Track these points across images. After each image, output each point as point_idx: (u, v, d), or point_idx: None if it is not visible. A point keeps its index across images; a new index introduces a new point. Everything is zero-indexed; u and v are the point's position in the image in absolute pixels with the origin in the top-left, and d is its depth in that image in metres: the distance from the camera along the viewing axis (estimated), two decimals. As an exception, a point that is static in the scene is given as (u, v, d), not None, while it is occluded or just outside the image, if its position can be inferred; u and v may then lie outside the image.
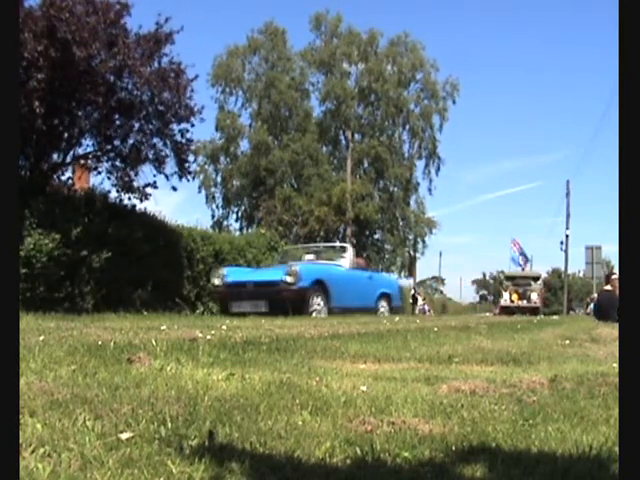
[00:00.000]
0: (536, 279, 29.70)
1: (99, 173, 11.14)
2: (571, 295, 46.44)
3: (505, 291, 29.52)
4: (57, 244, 8.85)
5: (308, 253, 12.60)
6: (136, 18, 10.32)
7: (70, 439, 1.49)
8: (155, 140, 10.68)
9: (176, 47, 10.50)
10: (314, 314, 9.93)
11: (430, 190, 33.58)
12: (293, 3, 60.30)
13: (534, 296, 27.36)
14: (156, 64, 10.20)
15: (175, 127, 10.68)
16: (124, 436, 1.55)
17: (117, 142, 10.67)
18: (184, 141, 10.82)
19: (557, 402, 2.32)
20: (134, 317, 6.07)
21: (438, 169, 33.64)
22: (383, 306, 12.50)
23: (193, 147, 11.83)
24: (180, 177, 10.95)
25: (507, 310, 24.72)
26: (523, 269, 34.72)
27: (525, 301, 27.30)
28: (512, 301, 27.45)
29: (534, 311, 23.45)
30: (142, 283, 10.13)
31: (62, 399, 1.94)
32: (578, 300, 51.55)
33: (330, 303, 10.62)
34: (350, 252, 12.82)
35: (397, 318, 8.75)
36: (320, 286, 10.49)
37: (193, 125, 10.81)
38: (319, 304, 10.29)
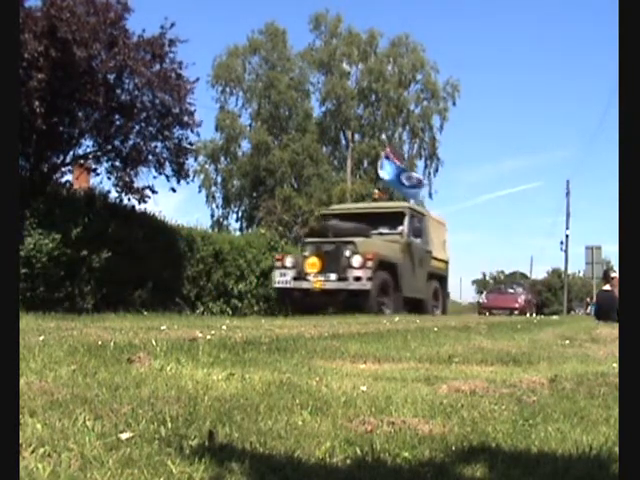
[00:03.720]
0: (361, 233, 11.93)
1: (97, 175, 11.17)
2: (571, 295, 46.39)
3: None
4: (57, 244, 8.86)
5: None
6: (140, 20, 10.34)
7: (70, 439, 1.49)
8: (155, 143, 10.69)
9: (177, 47, 10.51)
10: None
11: (430, 194, 33.56)
12: (293, 3, 60.32)
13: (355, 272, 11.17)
14: (158, 66, 10.21)
15: (175, 131, 10.69)
16: (124, 436, 1.55)
17: (117, 143, 10.67)
18: (184, 145, 10.83)
19: (557, 402, 2.32)
20: (134, 317, 6.07)
21: (437, 170, 33.66)
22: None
23: (194, 147, 11.85)
24: (178, 180, 10.96)
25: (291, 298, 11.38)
26: (401, 177, 15.85)
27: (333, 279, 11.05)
28: (301, 277, 11.25)
29: (356, 298, 10.61)
30: (142, 283, 10.14)
31: (62, 399, 1.94)
32: (578, 300, 51.53)
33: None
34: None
35: (397, 318, 8.75)
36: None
37: (192, 132, 10.83)
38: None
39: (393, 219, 12.65)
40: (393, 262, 11.63)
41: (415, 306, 12.56)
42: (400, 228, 12.49)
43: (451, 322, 8.40)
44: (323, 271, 10.88)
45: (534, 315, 21.86)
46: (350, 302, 10.50)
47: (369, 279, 10.60)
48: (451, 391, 2.48)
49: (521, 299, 25.04)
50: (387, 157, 16.26)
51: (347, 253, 10.84)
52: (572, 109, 77.17)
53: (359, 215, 12.88)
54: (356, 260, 10.69)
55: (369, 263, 10.63)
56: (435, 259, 14.05)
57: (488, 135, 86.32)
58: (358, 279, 10.63)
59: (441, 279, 14.57)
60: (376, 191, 17.25)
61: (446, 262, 15.05)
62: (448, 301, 17.08)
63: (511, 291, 26.74)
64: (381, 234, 12.36)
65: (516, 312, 22.68)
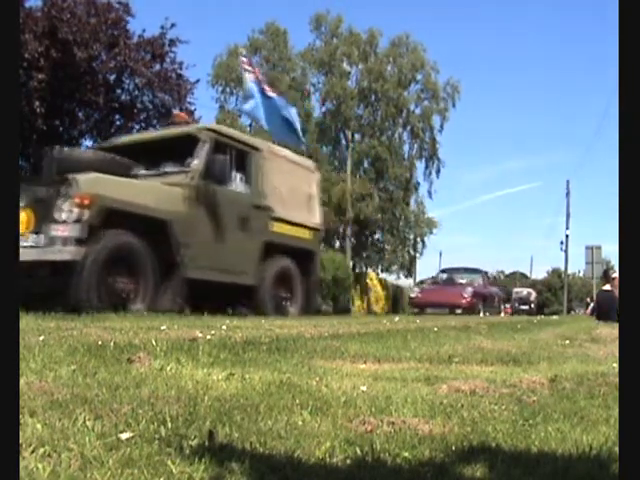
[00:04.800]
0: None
1: None
2: (571, 295, 46.43)
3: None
4: (57, 244, 8.83)
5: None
6: (141, 21, 10.37)
7: (70, 439, 1.49)
8: None
9: (177, 48, 10.52)
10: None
11: (430, 193, 33.60)
12: (294, 3, 60.32)
13: (59, 230, 6.60)
14: (158, 66, 10.23)
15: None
16: (124, 436, 1.55)
17: (117, 142, 10.67)
18: None
19: (557, 402, 2.32)
20: (134, 317, 6.07)
21: (438, 171, 33.67)
22: None
23: None
24: None
25: None
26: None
27: None
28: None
29: (59, 278, 6.46)
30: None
31: (62, 399, 1.94)
32: (578, 300, 51.52)
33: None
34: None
35: (397, 318, 8.76)
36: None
37: None
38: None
39: (185, 150, 7.86)
40: (155, 216, 7.07)
41: (232, 297, 8.52)
42: (191, 163, 7.75)
43: (451, 322, 8.41)
44: (33, 231, 6.57)
45: (483, 314, 17.36)
46: (53, 285, 6.46)
47: (79, 242, 6.27)
48: (451, 391, 2.48)
49: (468, 293, 17.81)
50: (245, 70, 10.88)
51: (60, 200, 6.45)
52: (572, 109, 77.25)
53: (142, 147, 8.39)
54: (65, 209, 6.41)
55: (81, 213, 6.33)
56: (284, 222, 8.94)
57: (488, 135, 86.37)
58: (64, 242, 6.32)
59: (302, 257, 9.27)
60: (176, 112, 10.71)
61: (314, 230, 9.74)
62: (315, 293, 10.90)
63: (461, 282, 19.33)
64: (166, 174, 7.77)
65: (459, 311, 16.75)
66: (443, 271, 22.79)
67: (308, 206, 9.80)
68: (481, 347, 4.57)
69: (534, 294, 42.63)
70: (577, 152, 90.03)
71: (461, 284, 18.97)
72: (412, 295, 19.64)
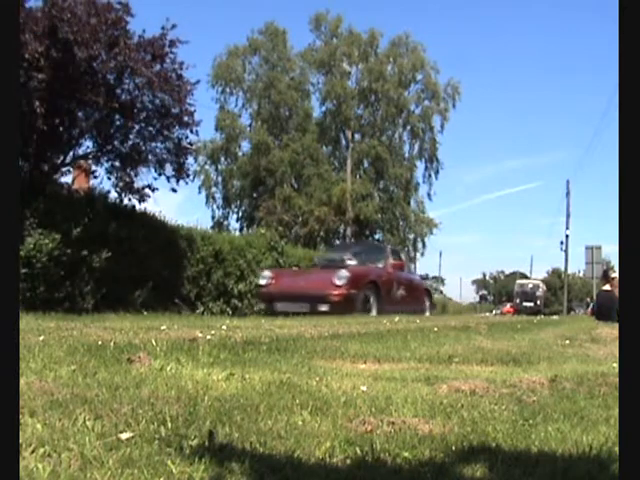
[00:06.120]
0: None
1: (95, 177, 11.22)
2: (571, 295, 46.31)
3: None
4: (57, 244, 8.85)
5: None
6: (141, 21, 10.37)
7: (70, 439, 1.49)
8: (155, 143, 10.71)
9: (177, 48, 10.51)
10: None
11: (430, 195, 33.58)
12: (293, 3, 60.34)
13: None
14: (158, 66, 10.22)
15: (175, 131, 10.70)
16: (124, 436, 1.55)
17: (117, 143, 10.69)
18: (184, 145, 10.84)
19: (557, 402, 2.32)
20: (134, 317, 6.07)
21: (437, 172, 33.65)
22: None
23: (194, 147, 11.86)
24: (177, 180, 10.97)
25: None
26: None
27: None
28: None
29: None
30: (142, 283, 10.13)
31: (62, 399, 1.94)
32: (578, 300, 51.54)
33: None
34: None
35: (397, 318, 8.75)
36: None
37: (192, 132, 10.83)
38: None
39: None
40: None
41: None
42: None
43: (451, 322, 8.40)
44: None
45: (376, 312, 10.81)
46: None
47: None
48: (451, 391, 2.48)
49: (342, 279, 10.61)
50: None
51: None
52: (572, 109, 77.21)
53: None
54: None
55: None
56: None
57: (488, 135, 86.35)
58: None
59: None
60: None
61: None
62: None
63: (336, 259, 12.07)
64: None
65: (323, 308, 10.19)
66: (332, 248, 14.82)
67: None
68: (481, 347, 4.57)
69: (542, 287, 35.42)
70: (577, 152, 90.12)
71: (337, 266, 11.20)
72: (262, 282, 11.54)
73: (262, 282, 11.74)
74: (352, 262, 12.01)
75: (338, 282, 10.61)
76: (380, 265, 12.43)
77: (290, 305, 10.62)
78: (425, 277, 17.97)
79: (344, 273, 10.73)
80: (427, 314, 13.20)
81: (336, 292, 10.55)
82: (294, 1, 61.14)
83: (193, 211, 72.87)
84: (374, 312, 10.96)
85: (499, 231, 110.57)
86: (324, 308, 10.25)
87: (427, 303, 13.97)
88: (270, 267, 11.94)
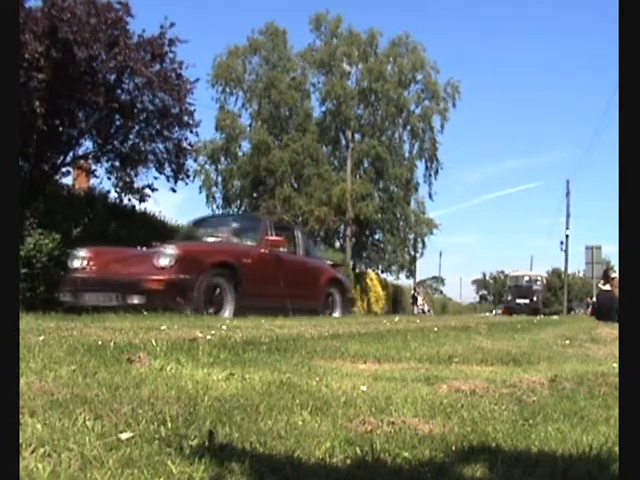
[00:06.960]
0: None
1: (96, 177, 11.23)
2: (571, 295, 46.29)
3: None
4: (57, 244, 8.87)
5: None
6: (140, 20, 10.38)
7: (70, 439, 1.49)
8: (155, 143, 10.72)
9: (176, 47, 10.52)
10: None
11: (430, 195, 33.55)
12: (293, 3, 60.37)
13: None
14: (158, 66, 10.23)
15: (175, 131, 10.72)
16: (124, 436, 1.55)
17: (117, 143, 10.70)
18: (184, 145, 10.86)
19: (557, 402, 2.32)
20: (134, 317, 6.06)
21: (437, 172, 33.62)
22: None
23: (194, 147, 11.87)
24: (176, 181, 10.98)
25: None
26: None
27: None
28: None
29: None
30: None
31: (62, 399, 1.94)
32: (578, 300, 51.54)
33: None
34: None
35: (397, 318, 8.75)
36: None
37: (192, 132, 10.85)
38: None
39: None
40: None
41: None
42: None
43: (451, 322, 8.41)
44: None
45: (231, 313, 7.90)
46: None
47: None
48: (451, 391, 2.48)
49: (167, 260, 7.25)
50: None
51: None
52: (572, 109, 77.24)
53: None
54: None
55: None
56: None
57: (488, 135, 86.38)
58: None
59: None
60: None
61: None
62: None
63: (186, 236, 9.67)
64: None
65: (136, 300, 7.05)
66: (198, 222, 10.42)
67: None
68: (481, 347, 4.57)
69: (541, 281, 27.93)
70: (577, 152, 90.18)
71: (168, 245, 7.92)
72: (74, 265, 7.99)
73: (75, 265, 7.95)
74: (211, 239, 9.05)
75: (161, 263, 7.33)
76: (250, 242, 8.89)
77: (99, 296, 7.42)
78: (340, 264, 12.43)
79: (170, 251, 7.42)
80: (336, 314, 9.56)
81: (155, 277, 7.30)
82: (294, 1, 61.24)
83: (193, 211, 72.91)
84: (228, 311, 7.73)
85: (499, 231, 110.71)
86: (136, 300, 7.11)
87: (336, 298, 9.81)
88: (90, 246, 8.17)
